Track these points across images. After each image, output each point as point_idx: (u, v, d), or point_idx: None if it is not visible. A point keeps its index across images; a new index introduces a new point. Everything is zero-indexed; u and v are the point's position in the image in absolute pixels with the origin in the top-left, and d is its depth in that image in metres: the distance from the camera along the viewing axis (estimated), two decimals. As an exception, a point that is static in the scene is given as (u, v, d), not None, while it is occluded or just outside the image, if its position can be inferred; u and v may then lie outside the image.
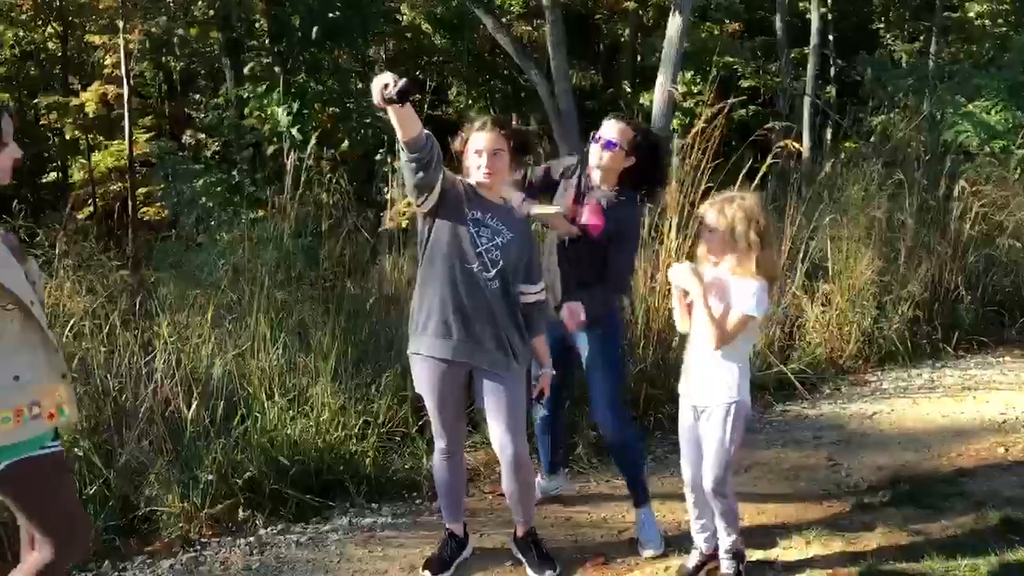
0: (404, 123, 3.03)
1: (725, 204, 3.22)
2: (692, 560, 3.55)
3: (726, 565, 3.47)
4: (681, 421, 3.51)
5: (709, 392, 3.33)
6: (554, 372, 3.53)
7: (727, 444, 3.32)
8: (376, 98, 2.90)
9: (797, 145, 6.28)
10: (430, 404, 3.45)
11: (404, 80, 2.85)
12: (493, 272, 3.28)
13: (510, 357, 3.34)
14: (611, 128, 3.65)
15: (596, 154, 3.65)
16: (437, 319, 3.31)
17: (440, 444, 3.51)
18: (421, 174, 3.13)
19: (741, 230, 3.16)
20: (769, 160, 5.88)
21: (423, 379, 3.41)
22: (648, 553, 3.71)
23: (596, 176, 3.70)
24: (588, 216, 3.65)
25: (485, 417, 3.47)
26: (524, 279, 3.38)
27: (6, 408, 2.43)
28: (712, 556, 3.53)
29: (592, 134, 3.72)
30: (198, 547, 3.77)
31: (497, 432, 3.43)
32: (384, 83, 2.86)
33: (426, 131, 3.09)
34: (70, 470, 2.64)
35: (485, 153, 3.25)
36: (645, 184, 3.77)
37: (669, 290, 5.31)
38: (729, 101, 5.50)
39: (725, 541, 3.48)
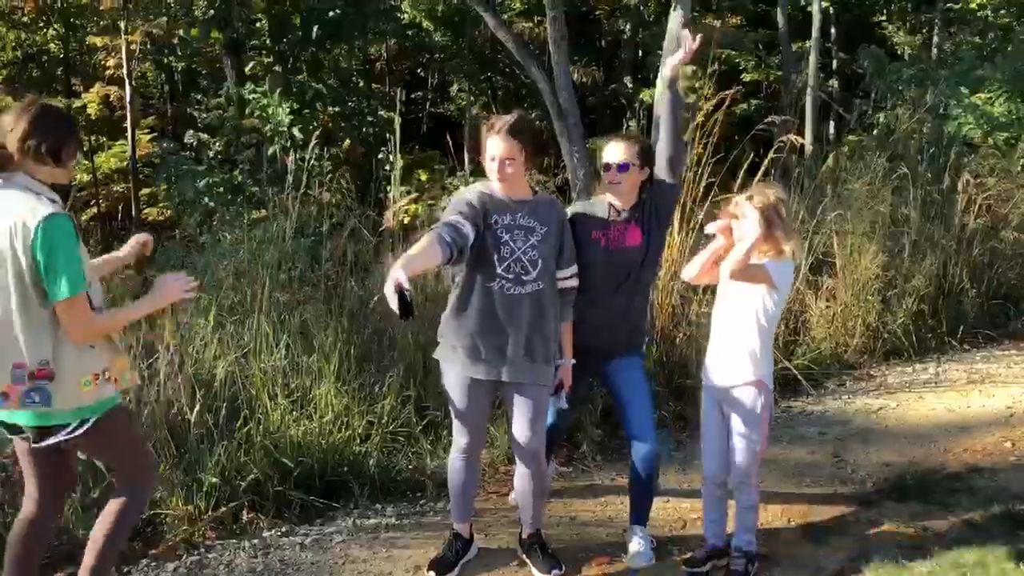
0: (420, 268, 3.16)
1: (754, 194, 3.34)
2: (701, 552, 3.57)
3: (737, 564, 3.46)
4: (704, 412, 3.54)
5: (736, 371, 3.38)
6: (574, 361, 3.51)
7: (756, 427, 3.37)
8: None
9: (799, 139, 6.26)
10: (456, 408, 3.45)
11: (396, 300, 2.82)
12: (535, 272, 3.29)
13: (538, 363, 3.35)
14: (616, 151, 3.56)
15: (614, 180, 3.56)
16: (466, 339, 3.32)
17: (461, 443, 3.50)
18: (460, 259, 3.21)
19: (777, 212, 3.28)
20: (771, 154, 5.86)
21: (451, 385, 3.44)
22: (640, 564, 3.66)
23: (619, 202, 3.61)
24: (628, 238, 3.60)
25: (498, 416, 3.46)
26: (558, 265, 3.38)
27: (87, 372, 2.76)
28: (722, 552, 3.52)
29: (601, 165, 3.63)
30: (202, 550, 3.77)
31: (520, 434, 3.44)
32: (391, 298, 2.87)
33: (446, 240, 3.08)
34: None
35: (497, 160, 3.23)
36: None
37: (673, 287, 5.32)
38: (728, 92, 5.48)
39: (740, 538, 3.48)
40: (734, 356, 3.40)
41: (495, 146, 3.23)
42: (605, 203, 3.62)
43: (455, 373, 3.40)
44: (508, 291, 3.27)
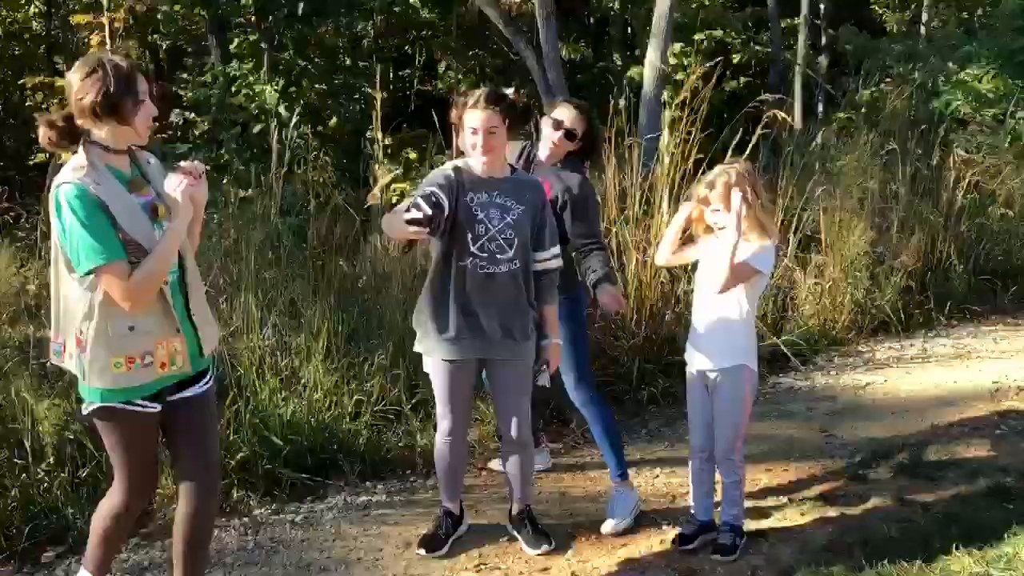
0: (409, 235, 3.13)
1: (722, 173, 3.31)
2: (689, 528, 3.58)
3: (724, 537, 3.48)
4: (689, 387, 3.56)
5: (719, 356, 3.39)
6: (559, 342, 3.49)
7: (739, 408, 3.40)
8: (416, 230, 2.91)
9: (784, 115, 6.24)
10: (439, 394, 3.44)
11: (418, 200, 2.86)
12: (511, 251, 3.26)
13: (518, 342, 3.33)
14: (567, 114, 3.70)
15: (552, 138, 3.68)
16: (442, 322, 3.30)
17: (444, 425, 3.49)
18: (435, 233, 3.19)
19: (752, 194, 3.25)
20: (759, 131, 5.85)
21: (433, 373, 3.43)
22: (610, 525, 3.71)
23: (544, 155, 3.73)
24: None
25: (486, 394, 3.46)
26: (536, 247, 3.35)
27: (120, 354, 2.57)
28: (709, 526, 3.54)
29: (547, 116, 3.76)
30: (192, 528, 3.75)
31: (503, 411, 3.45)
32: (408, 220, 2.87)
33: (428, 215, 3.03)
34: (154, 427, 2.79)
35: (480, 132, 3.18)
36: (586, 156, 3.87)
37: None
38: (712, 64, 5.46)
39: (727, 512, 3.50)
40: (717, 339, 3.41)
41: (475, 118, 3.18)
42: None
43: (433, 364, 3.39)
44: (482, 270, 3.24)
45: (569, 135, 3.69)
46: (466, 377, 3.41)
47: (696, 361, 3.48)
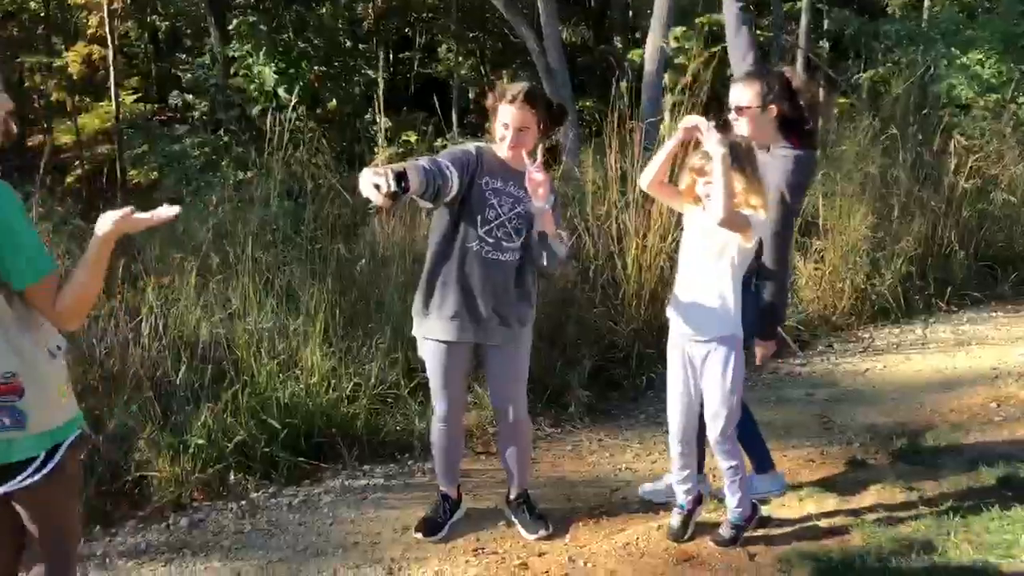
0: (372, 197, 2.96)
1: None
2: (675, 519, 3.52)
3: (726, 530, 3.44)
4: (671, 366, 3.40)
5: (709, 325, 3.25)
6: (548, 209, 3.16)
7: (731, 383, 3.27)
8: (375, 198, 2.73)
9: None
10: (434, 378, 3.43)
11: (388, 170, 2.70)
12: (518, 241, 3.24)
13: (513, 327, 3.31)
14: (735, 93, 3.44)
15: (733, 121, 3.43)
16: (441, 301, 3.28)
17: (440, 410, 3.48)
18: (436, 202, 3.11)
19: (749, 159, 3.13)
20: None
21: (428, 357, 3.41)
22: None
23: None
24: None
25: (484, 379, 3.43)
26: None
27: (62, 380, 2.22)
28: (693, 510, 3.50)
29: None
30: (189, 511, 3.76)
31: (499, 395, 3.45)
32: (374, 183, 2.70)
33: (421, 166, 2.96)
34: None
35: (512, 129, 3.17)
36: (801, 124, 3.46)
37: (660, 249, 5.29)
38: (714, 50, 5.41)
39: (733, 511, 3.44)
40: (703, 306, 3.24)
41: (508, 114, 3.15)
42: None
43: (429, 346, 3.38)
44: (487, 255, 3.22)
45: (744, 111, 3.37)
46: (460, 360, 3.39)
47: (679, 328, 3.32)
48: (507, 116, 3.17)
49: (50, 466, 2.16)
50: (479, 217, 3.20)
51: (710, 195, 3.08)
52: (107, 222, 2.23)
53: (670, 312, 3.40)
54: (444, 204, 3.18)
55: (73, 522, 2.36)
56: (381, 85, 5.74)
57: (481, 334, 3.30)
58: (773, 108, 3.38)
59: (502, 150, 3.23)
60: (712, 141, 3.00)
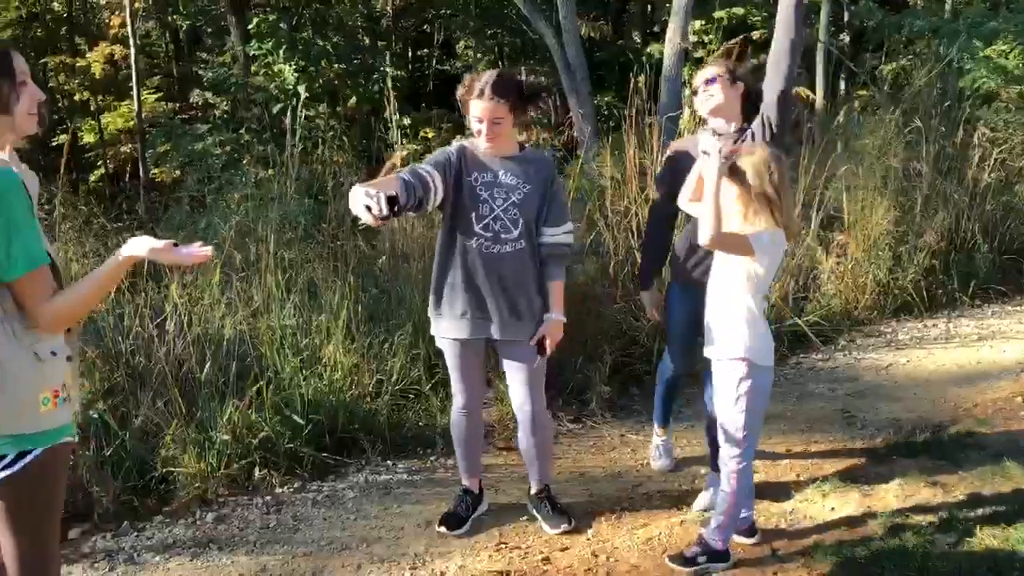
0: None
1: (738, 151, 3.07)
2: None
3: (690, 551, 3.29)
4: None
5: (718, 345, 3.19)
6: (564, 320, 3.36)
7: (730, 407, 3.15)
8: (366, 218, 2.76)
9: (807, 93, 6.18)
10: (452, 371, 3.48)
11: (380, 194, 2.71)
12: (516, 231, 3.24)
13: (525, 320, 3.32)
14: (704, 71, 3.51)
15: (703, 99, 3.46)
16: (449, 301, 3.31)
17: (459, 401, 3.52)
18: (421, 210, 3.18)
19: (756, 183, 2.98)
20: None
21: (445, 354, 3.46)
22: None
23: (714, 123, 3.49)
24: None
25: (502, 375, 3.46)
26: (546, 223, 3.31)
27: (47, 388, 2.15)
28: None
29: (692, 92, 3.56)
30: (215, 507, 3.80)
31: (516, 390, 3.46)
32: (366, 205, 2.72)
33: (402, 179, 2.99)
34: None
35: (486, 122, 3.16)
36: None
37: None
38: (733, 42, 5.38)
39: (708, 529, 3.29)
40: (721, 325, 3.16)
41: (479, 108, 3.15)
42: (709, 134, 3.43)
43: (445, 344, 3.42)
44: (487, 250, 3.23)
45: (710, 82, 3.43)
46: (475, 354, 3.42)
47: (706, 347, 3.29)
48: (478, 110, 3.16)
49: (16, 468, 2.11)
50: (473, 214, 3.22)
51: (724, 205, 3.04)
52: (142, 248, 2.22)
53: None
54: (437, 208, 3.21)
55: (42, 540, 2.22)
56: (389, 84, 5.74)
57: (493, 329, 3.32)
58: (741, 85, 3.45)
59: (480, 145, 3.24)
60: (710, 165, 2.99)
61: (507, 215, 3.23)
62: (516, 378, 3.44)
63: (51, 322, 2.13)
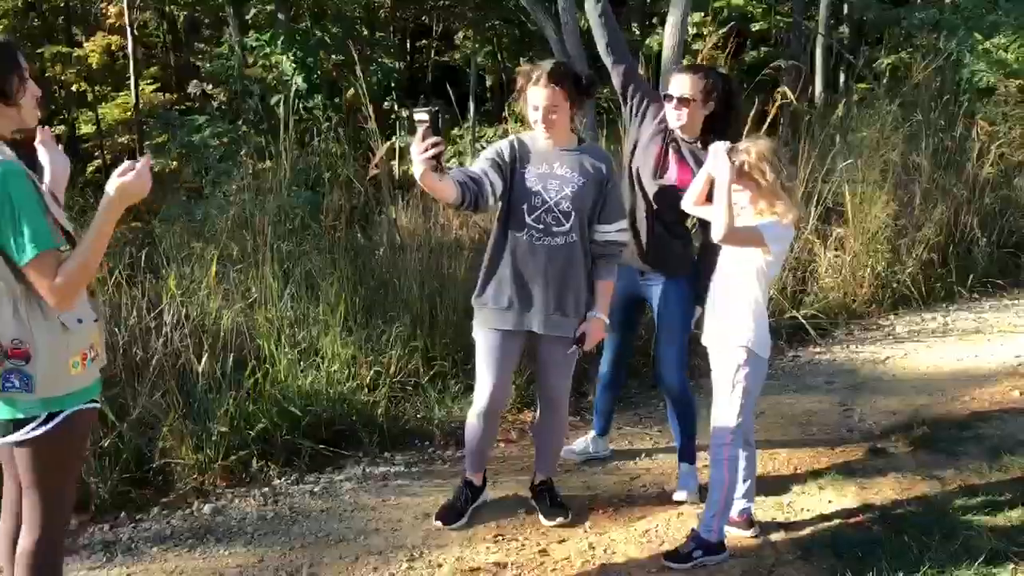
0: (437, 194, 3.11)
1: (738, 149, 3.11)
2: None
3: (684, 546, 3.27)
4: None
5: (720, 333, 3.22)
6: (607, 321, 3.38)
7: (731, 395, 3.18)
8: (418, 157, 2.88)
9: (790, 92, 6.18)
10: (481, 365, 3.40)
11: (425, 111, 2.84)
12: (568, 224, 3.22)
13: (569, 317, 3.30)
14: (681, 83, 3.45)
15: (672, 115, 3.48)
16: (496, 292, 3.30)
17: (481, 403, 3.42)
18: (478, 211, 3.26)
19: (771, 176, 3.04)
20: (779, 100, 5.77)
21: (481, 345, 3.39)
22: (680, 496, 3.73)
23: (679, 130, 3.53)
24: (677, 172, 3.52)
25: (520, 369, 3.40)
26: (600, 219, 3.29)
27: (76, 351, 2.33)
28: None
29: (663, 94, 3.54)
30: (213, 498, 3.79)
31: (547, 384, 3.45)
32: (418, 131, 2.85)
33: (458, 180, 3.08)
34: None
35: (541, 109, 3.16)
36: (725, 128, 3.48)
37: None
38: (727, 28, 5.36)
39: (702, 525, 3.28)
40: (725, 316, 3.20)
41: (537, 95, 3.15)
42: None
43: (483, 334, 3.37)
44: (538, 242, 3.22)
45: (682, 103, 3.43)
46: (511, 349, 3.37)
47: (706, 333, 3.32)
48: (536, 98, 3.16)
49: (49, 426, 2.31)
50: (525, 205, 3.21)
51: (737, 202, 3.09)
52: (112, 188, 2.31)
53: None
54: (497, 202, 3.24)
55: (66, 492, 2.46)
56: (367, 79, 5.71)
57: (536, 323, 3.29)
58: (711, 104, 3.46)
59: (538, 134, 3.23)
60: (720, 165, 3.03)
61: (560, 207, 3.21)
62: (551, 373, 3.41)
63: (62, 296, 2.24)
